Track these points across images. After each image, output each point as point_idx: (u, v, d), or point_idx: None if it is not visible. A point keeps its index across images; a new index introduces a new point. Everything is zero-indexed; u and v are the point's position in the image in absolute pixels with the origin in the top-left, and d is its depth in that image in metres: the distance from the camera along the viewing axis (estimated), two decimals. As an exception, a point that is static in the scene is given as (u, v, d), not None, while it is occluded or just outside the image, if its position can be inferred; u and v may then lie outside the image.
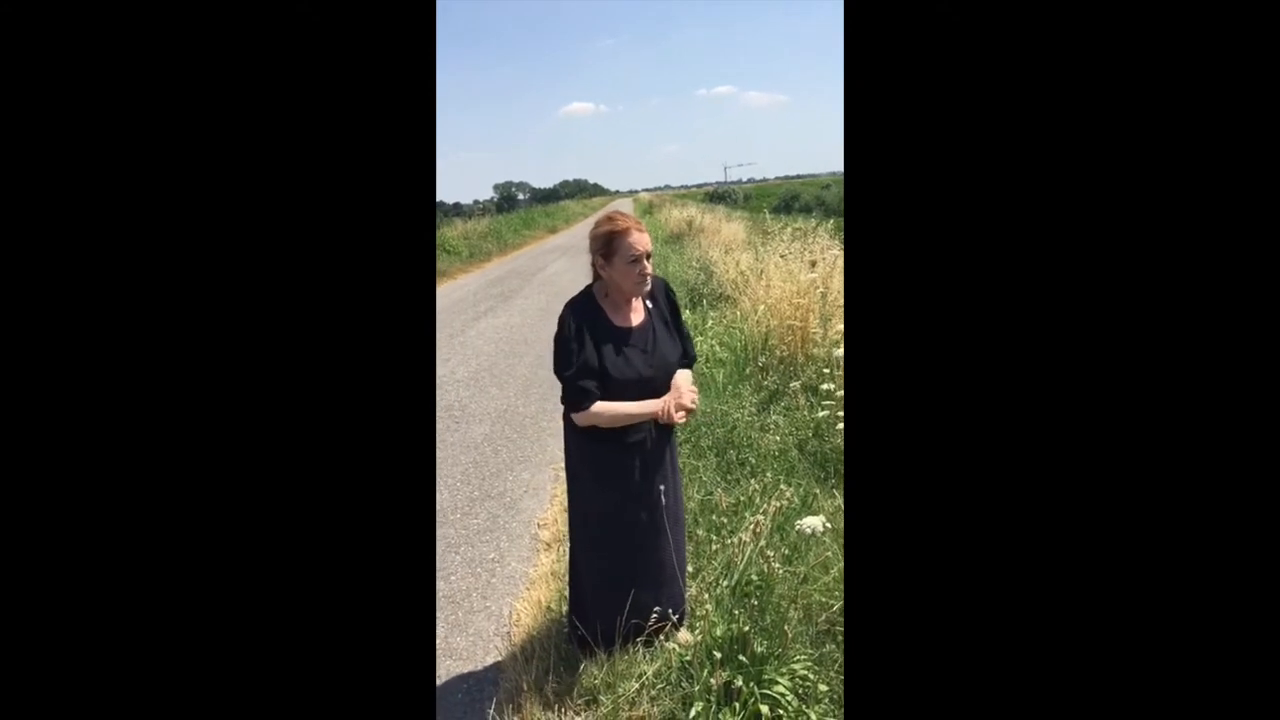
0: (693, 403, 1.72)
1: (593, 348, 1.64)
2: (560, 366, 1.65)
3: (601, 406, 1.63)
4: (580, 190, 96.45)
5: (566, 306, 1.70)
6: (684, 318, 1.88)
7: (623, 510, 1.73)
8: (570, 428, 1.74)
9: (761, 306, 4.43)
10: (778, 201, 28.94)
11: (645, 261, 1.65)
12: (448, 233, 15.06)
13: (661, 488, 1.73)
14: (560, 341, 1.66)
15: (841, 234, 6.92)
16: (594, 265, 1.70)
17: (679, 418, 1.68)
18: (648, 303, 1.76)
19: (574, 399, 1.63)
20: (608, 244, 1.64)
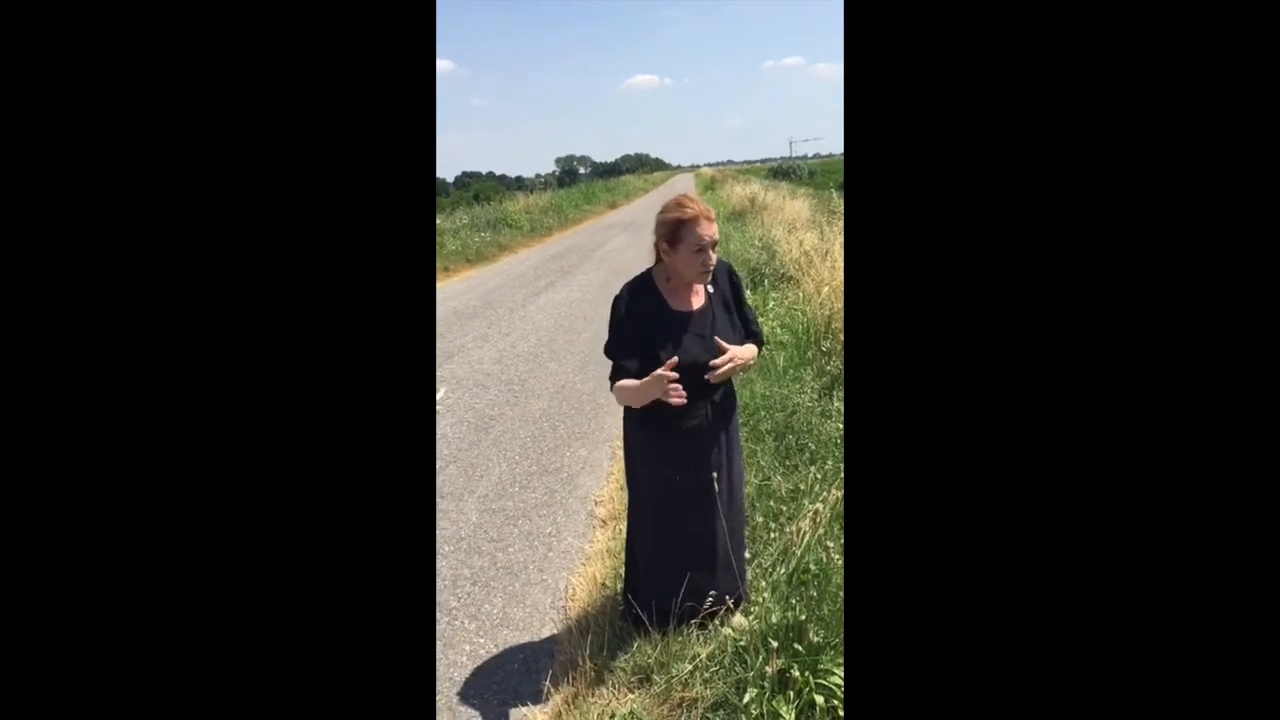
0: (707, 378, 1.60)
1: (644, 330, 1.65)
2: (606, 346, 1.71)
3: (622, 383, 1.66)
4: (641, 164, 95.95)
5: (624, 288, 1.70)
6: (746, 299, 1.85)
7: (674, 494, 1.73)
8: (627, 410, 1.75)
9: (825, 289, 4.33)
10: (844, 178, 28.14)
11: (710, 251, 1.63)
12: (510, 206, 15.26)
13: (714, 474, 1.72)
14: (610, 322, 1.71)
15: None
16: (657, 249, 1.68)
17: (673, 398, 1.57)
18: (709, 287, 1.74)
19: (610, 376, 1.70)
20: (675, 230, 1.62)
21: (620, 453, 3.24)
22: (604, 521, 2.65)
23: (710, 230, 1.61)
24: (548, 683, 1.79)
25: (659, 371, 1.57)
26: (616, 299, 1.70)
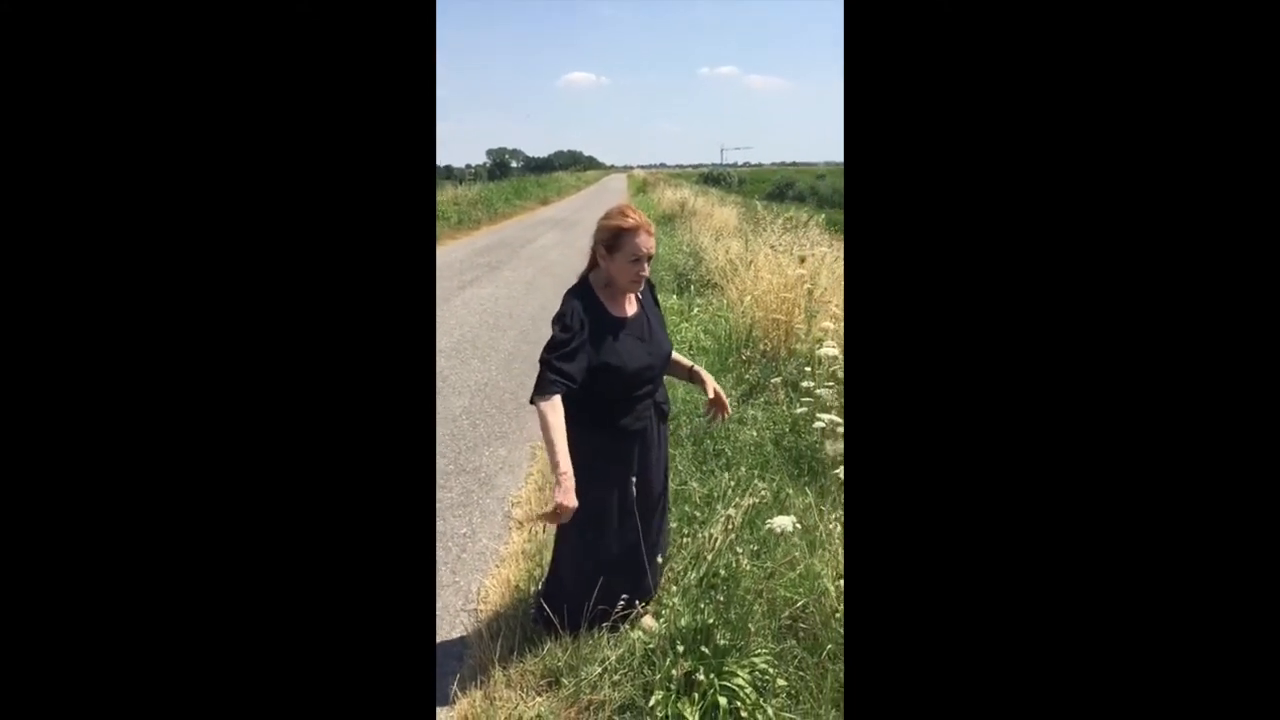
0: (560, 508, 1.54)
1: (592, 341, 1.63)
2: (548, 348, 1.60)
3: (552, 417, 1.55)
4: (575, 162, 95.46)
5: (570, 295, 1.68)
6: (670, 303, 1.92)
7: (616, 496, 1.75)
8: (569, 410, 1.65)
9: (748, 297, 4.45)
10: (772, 188, 28.94)
11: (645, 263, 1.66)
12: (438, 197, 14.88)
13: (655, 477, 1.78)
14: (560, 331, 1.61)
15: (832, 229, 6.93)
16: (595, 254, 1.70)
17: (555, 513, 1.55)
18: (639, 295, 1.78)
19: (541, 385, 1.58)
20: (615, 238, 1.64)
21: (541, 454, 3.23)
22: (520, 524, 2.63)
23: (648, 243, 1.65)
24: (455, 686, 1.77)
25: (570, 500, 1.52)
26: (567, 310, 1.63)
